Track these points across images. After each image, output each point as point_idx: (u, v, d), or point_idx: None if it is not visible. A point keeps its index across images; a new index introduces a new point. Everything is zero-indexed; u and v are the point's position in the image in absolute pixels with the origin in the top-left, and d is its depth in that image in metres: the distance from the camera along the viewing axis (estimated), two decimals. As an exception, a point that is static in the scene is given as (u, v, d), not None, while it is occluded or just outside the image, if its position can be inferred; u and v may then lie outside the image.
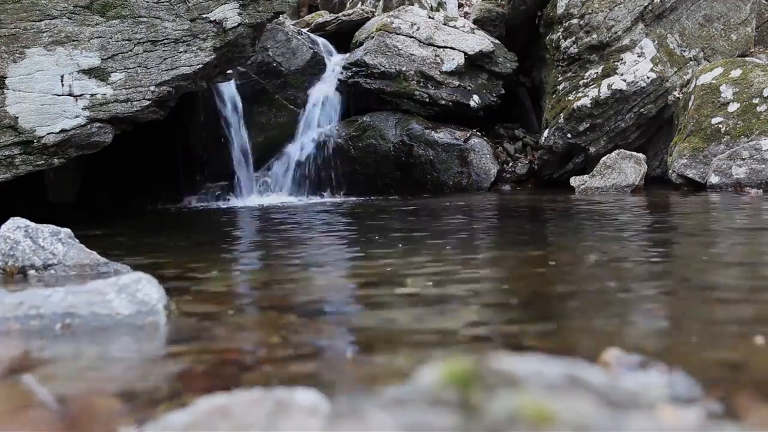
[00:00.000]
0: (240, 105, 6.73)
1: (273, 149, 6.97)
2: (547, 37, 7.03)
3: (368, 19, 7.64)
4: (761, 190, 5.56)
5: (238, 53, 5.12)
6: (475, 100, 7.09)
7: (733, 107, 6.08)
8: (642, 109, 6.62)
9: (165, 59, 4.69)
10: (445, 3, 8.27)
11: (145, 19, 4.68)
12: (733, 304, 2.13)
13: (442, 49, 7.14)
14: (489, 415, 0.85)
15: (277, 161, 6.94)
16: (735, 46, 7.00)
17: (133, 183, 6.58)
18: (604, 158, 6.33)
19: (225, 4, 4.82)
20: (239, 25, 4.88)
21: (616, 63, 6.68)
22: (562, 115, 6.73)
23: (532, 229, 4.39)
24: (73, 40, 4.53)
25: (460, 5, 8.51)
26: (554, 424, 0.84)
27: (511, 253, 3.38)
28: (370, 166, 6.92)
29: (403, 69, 6.99)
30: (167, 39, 4.70)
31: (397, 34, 7.18)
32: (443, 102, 7.01)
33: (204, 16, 4.78)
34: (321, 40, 7.35)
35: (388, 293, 2.44)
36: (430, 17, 7.44)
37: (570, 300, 2.30)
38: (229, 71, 5.67)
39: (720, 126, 6.06)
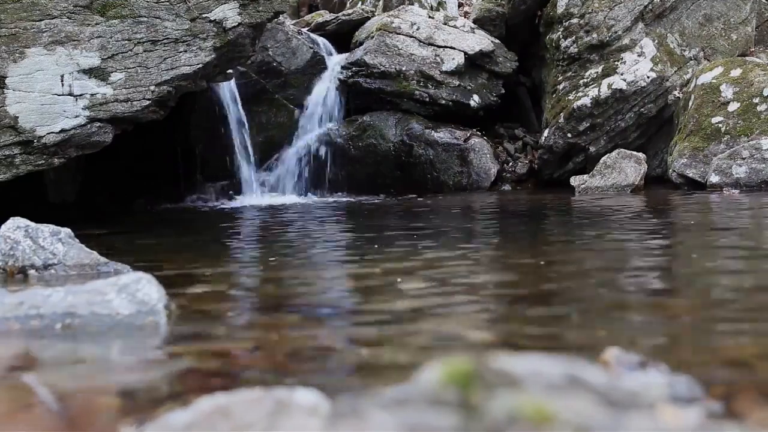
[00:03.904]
0: (240, 105, 6.73)
1: (273, 149, 6.96)
2: (547, 37, 7.03)
3: (368, 18, 7.64)
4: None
5: (238, 53, 5.12)
6: (475, 100, 7.09)
7: (733, 107, 6.08)
8: (642, 109, 6.62)
9: (165, 59, 4.69)
10: (445, 2, 8.26)
11: (145, 19, 4.68)
12: (733, 304, 2.13)
13: (442, 49, 7.14)
14: (489, 415, 0.85)
15: (277, 161, 6.94)
16: (735, 46, 6.99)
17: (133, 183, 6.58)
18: (604, 158, 6.33)
19: (225, 3, 4.81)
20: (239, 24, 4.87)
21: (616, 62, 6.68)
22: (562, 114, 6.73)
23: (532, 228, 4.39)
24: (73, 40, 4.53)
25: (460, 5, 8.50)
26: (554, 424, 0.84)
27: (511, 253, 3.38)
28: (370, 166, 6.92)
29: (403, 69, 6.99)
30: (167, 39, 4.70)
31: (397, 33, 7.17)
32: (443, 102, 7.01)
33: (204, 15, 4.78)
34: (321, 40, 7.35)
35: (387, 293, 2.44)
36: (430, 17, 7.44)
37: (570, 300, 2.30)
38: (229, 71, 5.66)
39: (720, 125, 6.06)
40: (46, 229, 2.81)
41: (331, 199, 6.54)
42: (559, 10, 6.86)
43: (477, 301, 2.32)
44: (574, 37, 6.78)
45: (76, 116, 4.51)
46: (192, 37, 4.74)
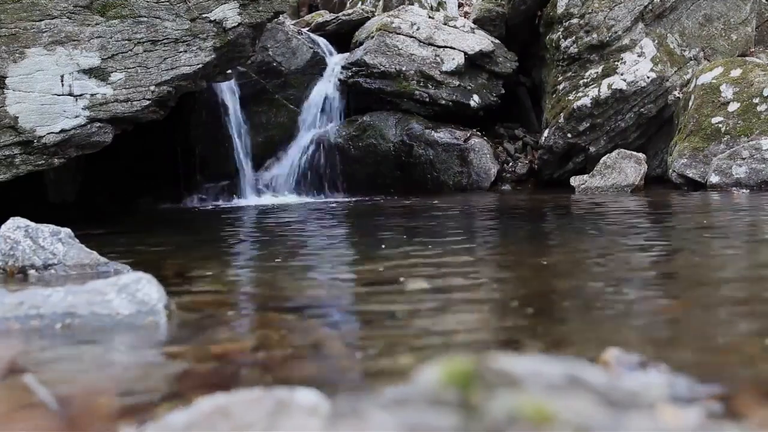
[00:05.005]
0: (240, 105, 6.73)
1: (273, 149, 6.96)
2: (547, 37, 7.03)
3: (368, 18, 7.64)
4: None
5: (238, 53, 5.12)
6: (475, 100, 7.09)
7: (733, 107, 6.08)
8: (642, 109, 6.62)
9: (165, 59, 4.69)
10: (445, 3, 8.26)
11: (145, 19, 4.68)
12: (733, 304, 2.13)
13: (442, 49, 7.14)
14: (489, 415, 0.85)
15: (277, 161, 6.94)
16: (735, 46, 6.99)
17: (133, 183, 6.57)
18: (604, 158, 6.33)
19: (225, 3, 4.81)
20: (239, 24, 4.87)
21: (616, 63, 6.68)
22: (562, 114, 6.73)
23: (531, 229, 4.39)
24: (73, 40, 4.53)
25: (460, 5, 8.50)
26: (554, 424, 0.84)
27: (511, 253, 3.38)
28: (370, 166, 6.92)
29: (403, 69, 6.99)
30: (167, 39, 4.70)
31: (397, 33, 7.17)
32: (443, 102, 7.01)
33: (204, 15, 4.78)
34: (321, 40, 7.35)
35: (387, 293, 2.44)
36: (430, 17, 7.44)
37: (570, 300, 2.30)
38: (229, 71, 5.66)
39: (720, 126, 6.06)
40: (46, 229, 2.81)
41: (331, 199, 6.54)
42: (559, 10, 6.86)
43: (478, 301, 2.32)
44: (574, 37, 6.78)
45: (76, 116, 4.51)
46: (192, 37, 4.74)
